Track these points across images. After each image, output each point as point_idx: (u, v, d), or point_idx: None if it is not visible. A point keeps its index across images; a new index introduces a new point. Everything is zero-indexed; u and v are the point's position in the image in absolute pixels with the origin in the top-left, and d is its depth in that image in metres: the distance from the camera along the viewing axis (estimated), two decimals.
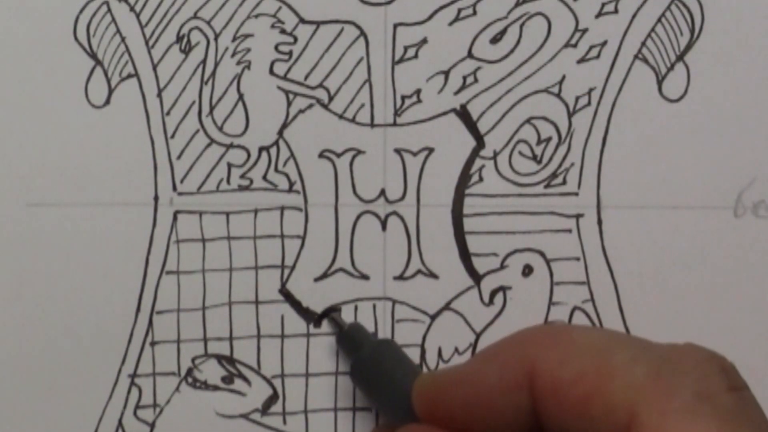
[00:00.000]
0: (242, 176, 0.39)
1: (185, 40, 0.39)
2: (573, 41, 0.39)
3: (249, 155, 0.39)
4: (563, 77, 0.39)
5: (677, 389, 0.29)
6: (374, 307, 0.39)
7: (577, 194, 0.39)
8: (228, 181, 0.39)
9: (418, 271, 0.39)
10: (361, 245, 0.39)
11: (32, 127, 0.38)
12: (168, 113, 0.39)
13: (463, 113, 0.39)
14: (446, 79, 0.39)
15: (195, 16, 0.39)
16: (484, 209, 0.39)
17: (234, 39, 0.39)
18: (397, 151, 0.39)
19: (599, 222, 0.39)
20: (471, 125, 0.39)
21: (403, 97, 0.39)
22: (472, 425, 0.32)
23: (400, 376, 0.35)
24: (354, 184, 0.39)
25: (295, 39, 0.39)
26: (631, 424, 0.29)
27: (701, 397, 0.29)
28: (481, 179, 0.39)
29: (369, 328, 0.38)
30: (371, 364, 0.36)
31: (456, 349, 0.39)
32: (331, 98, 0.39)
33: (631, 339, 0.33)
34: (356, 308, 0.39)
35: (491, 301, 0.39)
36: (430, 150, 0.39)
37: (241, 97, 0.39)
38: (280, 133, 0.39)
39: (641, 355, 0.30)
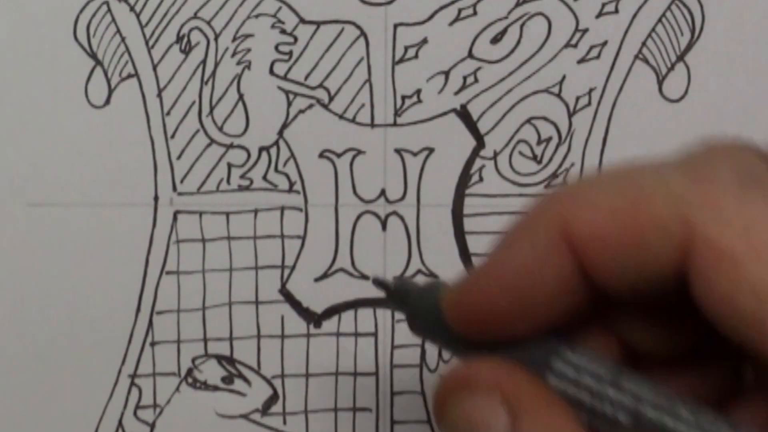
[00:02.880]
0: (242, 176, 0.39)
1: (185, 40, 0.39)
2: (573, 41, 0.39)
3: (249, 155, 0.39)
4: (563, 77, 0.39)
5: (721, 183, 0.27)
6: (374, 308, 0.39)
7: None
8: (228, 181, 0.39)
9: (418, 271, 0.39)
10: (361, 245, 0.39)
11: (32, 127, 0.38)
12: (168, 113, 0.39)
13: (463, 113, 0.39)
14: (446, 79, 0.39)
15: (195, 16, 0.39)
16: (485, 209, 0.39)
17: (234, 39, 0.39)
18: (398, 151, 0.39)
19: None
20: (471, 125, 0.39)
21: (404, 97, 0.39)
22: (521, 315, 0.29)
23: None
24: (354, 184, 0.39)
25: (296, 39, 0.39)
26: (687, 233, 0.27)
27: (749, 184, 0.27)
28: (481, 179, 0.39)
29: (369, 328, 0.38)
30: (422, 312, 0.35)
31: None
32: (331, 98, 0.39)
33: (651, 161, 0.29)
34: (356, 309, 0.39)
35: None
36: (431, 150, 0.39)
37: (241, 97, 0.39)
38: (280, 133, 0.39)
39: (670, 166, 0.27)
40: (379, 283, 0.36)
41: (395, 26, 0.39)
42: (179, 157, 0.39)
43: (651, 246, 0.27)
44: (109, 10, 0.39)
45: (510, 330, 0.29)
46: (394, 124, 0.39)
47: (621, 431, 0.28)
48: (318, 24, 0.39)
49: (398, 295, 0.36)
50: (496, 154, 0.39)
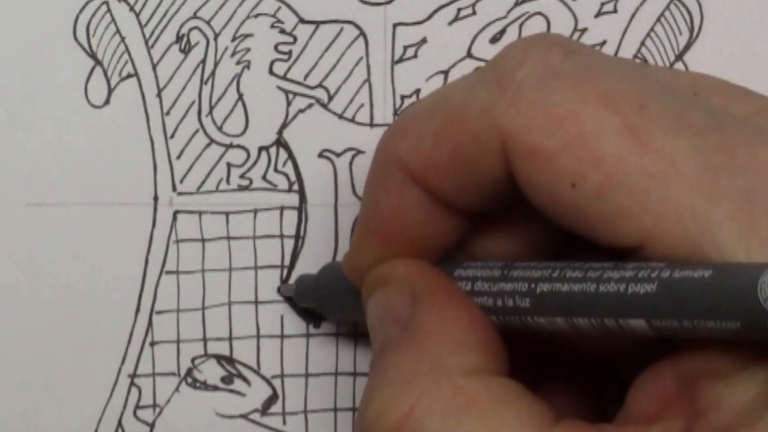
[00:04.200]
0: (242, 176, 0.39)
1: (185, 39, 0.39)
2: None
3: (248, 155, 0.39)
4: None
5: (523, 84, 0.28)
6: None
7: None
8: (228, 181, 0.39)
9: None
10: None
11: (32, 127, 0.38)
12: (168, 113, 0.39)
13: None
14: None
15: (194, 16, 0.39)
16: None
17: (233, 39, 0.39)
18: None
19: None
20: None
21: (403, 97, 0.39)
22: (409, 253, 0.31)
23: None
24: (354, 184, 0.39)
25: (295, 39, 0.39)
26: (502, 140, 0.28)
27: (549, 79, 0.28)
28: None
29: None
30: (332, 295, 0.36)
31: None
32: (330, 98, 0.39)
33: (462, 76, 0.31)
34: None
35: None
36: None
37: (240, 96, 0.39)
38: (280, 132, 0.39)
39: (478, 77, 0.29)
40: (285, 289, 0.38)
41: (394, 26, 0.39)
42: (179, 157, 0.39)
43: (474, 160, 0.29)
44: (108, 10, 0.39)
45: None
46: None
47: (525, 315, 0.29)
48: (317, 24, 0.39)
49: (303, 291, 0.37)
50: None
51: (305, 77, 0.39)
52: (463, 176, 0.29)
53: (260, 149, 0.39)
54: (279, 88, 0.39)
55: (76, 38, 0.39)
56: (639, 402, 0.28)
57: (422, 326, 0.29)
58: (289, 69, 0.39)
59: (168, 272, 0.38)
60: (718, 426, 0.26)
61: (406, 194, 0.30)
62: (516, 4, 0.39)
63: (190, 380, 0.38)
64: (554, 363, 0.34)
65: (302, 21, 0.39)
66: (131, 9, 0.39)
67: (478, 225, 0.31)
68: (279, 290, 0.38)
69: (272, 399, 0.38)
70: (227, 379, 0.38)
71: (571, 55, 0.29)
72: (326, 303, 0.36)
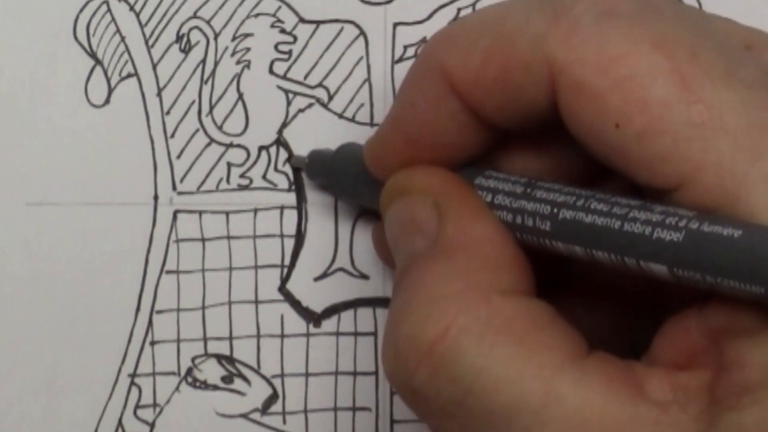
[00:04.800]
0: (242, 176, 0.39)
1: (185, 39, 0.39)
2: None
3: (249, 154, 0.39)
4: None
5: (579, 19, 0.28)
6: (374, 307, 0.39)
7: None
8: (228, 181, 0.39)
9: None
10: (360, 245, 0.39)
11: (32, 127, 0.38)
12: (168, 113, 0.39)
13: None
14: None
15: (195, 16, 0.39)
16: None
17: (234, 38, 0.39)
18: None
19: None
20: None
21: None
22: (430, 158, 0.31)
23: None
24: None
25: (295, 38, 0.39)
26: (551, 72, 0.28)
27: (605, 18, 0.28)
28: None
29: (369, 328, 0.38)
30: (344, 174, 0.36)
31: None
32: (330, 98, 0.39)
33: None
34: (356, 308, 0.39)
35: None
36: None
37: (240, 96, 0.39)
38: (280, 132, 0.39)
39: (534, 3, 0.29)
40: (296, 161, 0.37)
41: (395, 25, 0.39)
42: (179, 157, 0.39)
43: (521, 86, 0.29)
44: (108, 9, 0.39)
45: None
46: None
47: (544, 237, 0.29)
48: (317, 23, 0.39)
49: (317, 166, 0.36)
50: None
51: (305, 77, 0.39)
52: (506, 98, 0.29)
53: (260, 149, 0.39)
54: (279, 87, 0.39)
55: (76, 38, 0.39)
56: (665, 349, 0.28)
57: (451, 241, 0.29)
58: (289, 69, 0.39)
59: (168, 272, 0.38)
60: (741, 383, 0.26)
61: (444, 103, 0.30)
62: None
63: (190, 380, 0.38)
64: (570, 289, 0.33)
65: (302, 20, 0.39)
66: (131, 9, 0.39)
67: (506, 139, 0.31)
68: (289, 160, 0.38)
69: (272, 398, 0.38)
70: (227, 379, 0.38)
71: None
72: (339, 182, 0.36)
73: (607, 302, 0.33)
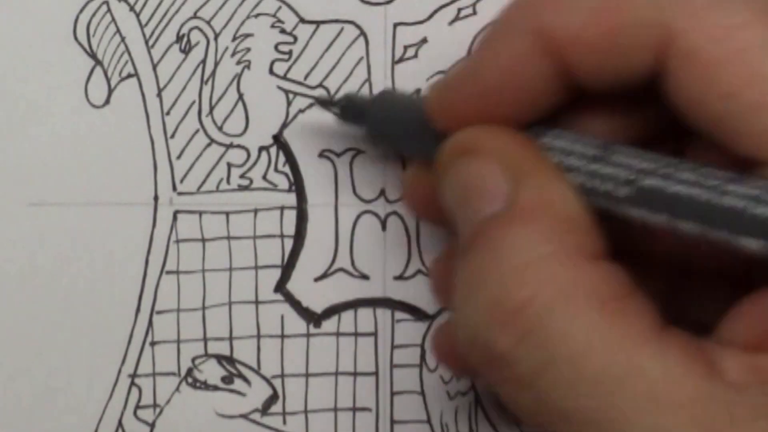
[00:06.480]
0: (242, 176, 0.39)
1: (185, 39, 0.39)
2: None
3: (249, 155, 0.39)
4: None
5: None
6: (374, 308, 0.39)
7: None
8: (228, 181, 0.39)
9: (418, 271, 0.39)
10: (361, 245, 0.39)
11: (32, 127, 0.38)
12: (168, 113, 0.39)
13: None
14: None
15: (195, 16, 0.39)
16: None
17: (234, 39, 0.39)
18: None
19: None
20: None
21: None
22: (501, 114, 0.30)
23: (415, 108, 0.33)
24: (354, 184, 0.39)
25: (295, 38, 0.39)
26: (664, 36, 0.27)
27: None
28: None
29: (369, 328, 0.38)
30: (384, 122, 0.34)
31: None
32: (331, 98, 0.39)
33: None
34: (356, 309, 0.39)
35: None
36: None
37: (240, 96, 0.39)
38: (280, 132, 0.39)
39: None
40: (324, 102, 0.36)
41: (395, 26, 0.39)
42: (179, 157, 0.39)
43: (627, 48, 0.28)
44: (108, 9, 0.39)
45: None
46: None
47: (618, 203, 0.28)
48: (318, 23, 0.39)
49: (350, 110, 0.35)
50: None
51: (305, 77, 0.39)
52: (606, 60, 0.28)
53: (260, 149, 0.39)
54: (279, 88, 0.39)
55: (76, 38, 0.39)
56: (738, 329, 0.27)
57: (530, 205, 0.28)
58: (289, 69, 0.39)
59: (168, 272, 0.38)
60: None
61: (532, 60, 0.29)
62: None
63: (190, 380, 0.38)
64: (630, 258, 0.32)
65: (302, 21, 0.39)
66: (131, 9, 0.39)
67: (582, 99, 0.30)
68: (317, 100, 0.37)
69: (272, 399, 0.38)
70: (227, 379, 0.38)
71: None
72: (383, 128, 0.34)
73: (668, 275, 0.32)
